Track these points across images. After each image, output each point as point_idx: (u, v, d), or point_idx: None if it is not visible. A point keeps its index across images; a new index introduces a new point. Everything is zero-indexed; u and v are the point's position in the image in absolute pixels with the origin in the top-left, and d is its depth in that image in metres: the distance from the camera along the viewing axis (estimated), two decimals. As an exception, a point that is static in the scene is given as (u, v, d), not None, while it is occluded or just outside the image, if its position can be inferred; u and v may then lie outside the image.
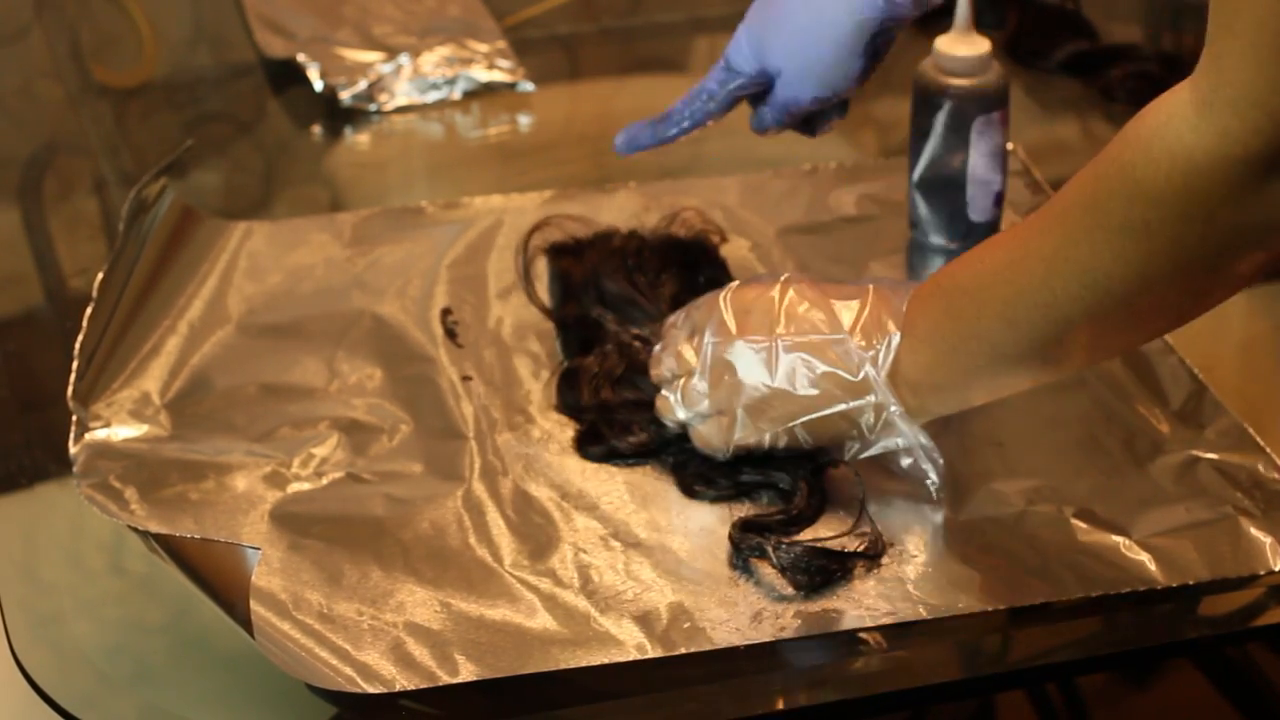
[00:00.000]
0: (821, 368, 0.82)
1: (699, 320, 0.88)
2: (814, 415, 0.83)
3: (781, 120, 0.92)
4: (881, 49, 0.89)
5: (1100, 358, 0.76)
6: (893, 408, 0.81)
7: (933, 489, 0.85)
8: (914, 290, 0.81)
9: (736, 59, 0.91)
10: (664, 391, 0.89)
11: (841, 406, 0.82)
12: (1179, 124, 0.65)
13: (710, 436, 0.87)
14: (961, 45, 1.03)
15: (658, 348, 0.91)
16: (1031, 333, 0.75)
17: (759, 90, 0.92)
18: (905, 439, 0.83)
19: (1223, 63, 0.63)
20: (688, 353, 0.87)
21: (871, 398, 0.81)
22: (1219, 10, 0.63)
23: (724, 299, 0.87)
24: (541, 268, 1.05)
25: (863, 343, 0.81)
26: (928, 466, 0.84)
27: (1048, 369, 0.78)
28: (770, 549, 0.81)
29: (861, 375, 0.81)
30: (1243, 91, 0.62)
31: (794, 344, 0.83)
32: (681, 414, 0.88)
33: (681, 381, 0.87)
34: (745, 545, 0.82)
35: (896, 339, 0.80)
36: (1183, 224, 0.67)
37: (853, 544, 0.83)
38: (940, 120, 1.03)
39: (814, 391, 0.83)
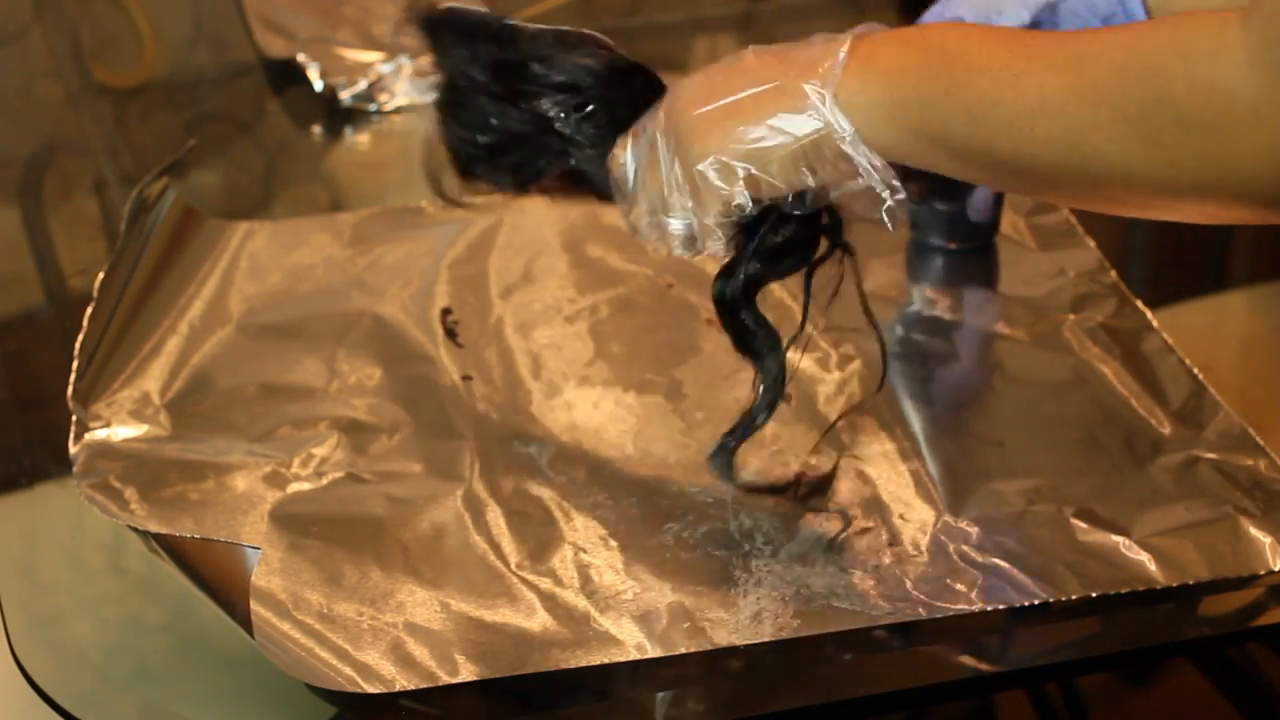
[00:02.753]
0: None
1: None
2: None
3: None
4: None
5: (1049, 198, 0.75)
6: (843, 127, 0.75)
7: (887, 218, 0.78)
8: (885, 31, 0.76)
9: None
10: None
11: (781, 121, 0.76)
12: (1226, 64, 0.64)
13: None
14: None
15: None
16: (988, 147, 0.72)
17: None
18: (860, 164, 0.76)
19: (1273, 22, 0.62)
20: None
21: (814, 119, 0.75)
22: None
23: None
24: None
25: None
26: (884, 192, 0.77)
27: (985, 177, 0.76)
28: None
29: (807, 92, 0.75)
30: None
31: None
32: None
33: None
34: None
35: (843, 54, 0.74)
36: (1199, 155, 0.66)
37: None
38: None
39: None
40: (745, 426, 0.84)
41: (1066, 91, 0.69)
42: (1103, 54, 0.69)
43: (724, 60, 0.80)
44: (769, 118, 0.76)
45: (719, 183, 0.77)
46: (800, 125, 0.75)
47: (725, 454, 0.84)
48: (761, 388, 0.83)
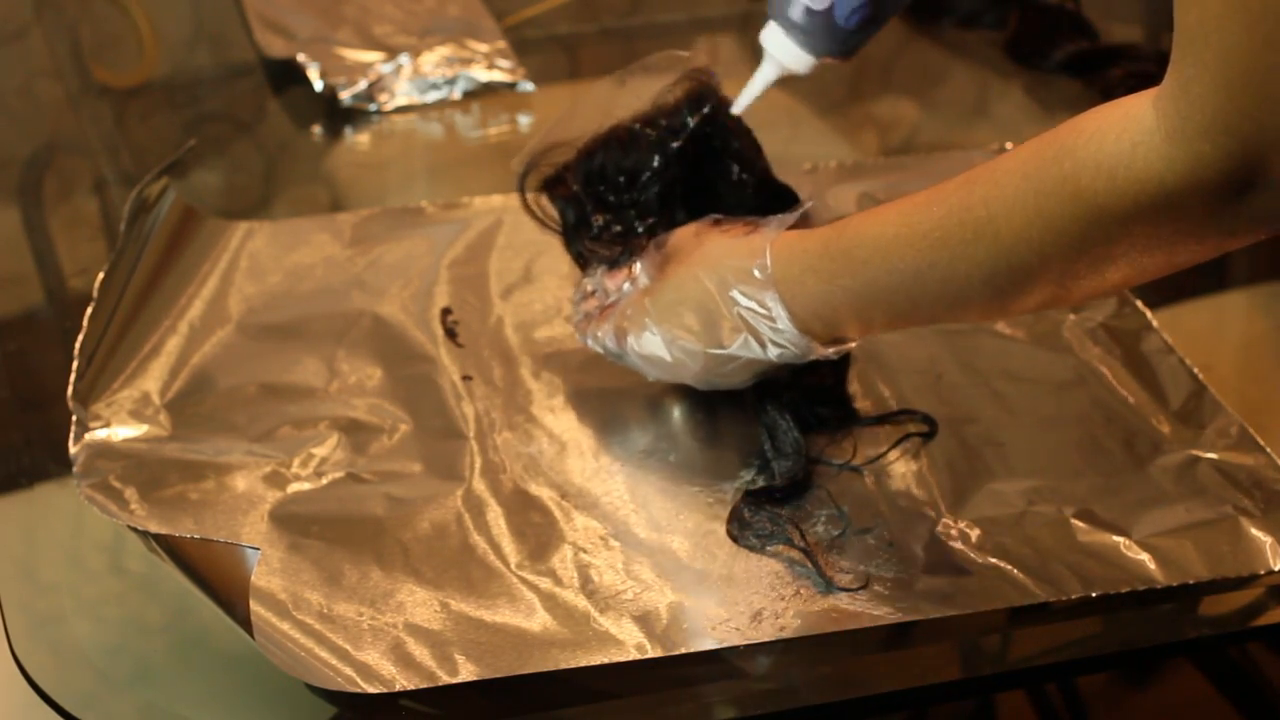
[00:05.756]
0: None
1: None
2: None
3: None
4: None
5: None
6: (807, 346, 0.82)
7: None
8: (781, 283, 0.81)
9: None
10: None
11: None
12: (1146, 152, 0.65)
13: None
14: None
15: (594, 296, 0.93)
16: (980, 306, 0.76)
17: None
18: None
19: (1191, 91, 0.63)
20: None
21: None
22: (1185, 39, 0.63)
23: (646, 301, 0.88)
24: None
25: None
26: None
27: (997, 317, 0.82)
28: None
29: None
30: (1213, 119, 0.63)
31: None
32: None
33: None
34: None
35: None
36: (1150, 239, 0.68)
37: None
38: None
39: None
40: (760, 496, 0.86)
41: (990, 251, 0.72)
42: (1014, 208, 0.71)
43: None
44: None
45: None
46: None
47: (739, 519, 0.85)
48: (776, 472, 0.87)
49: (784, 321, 0.81)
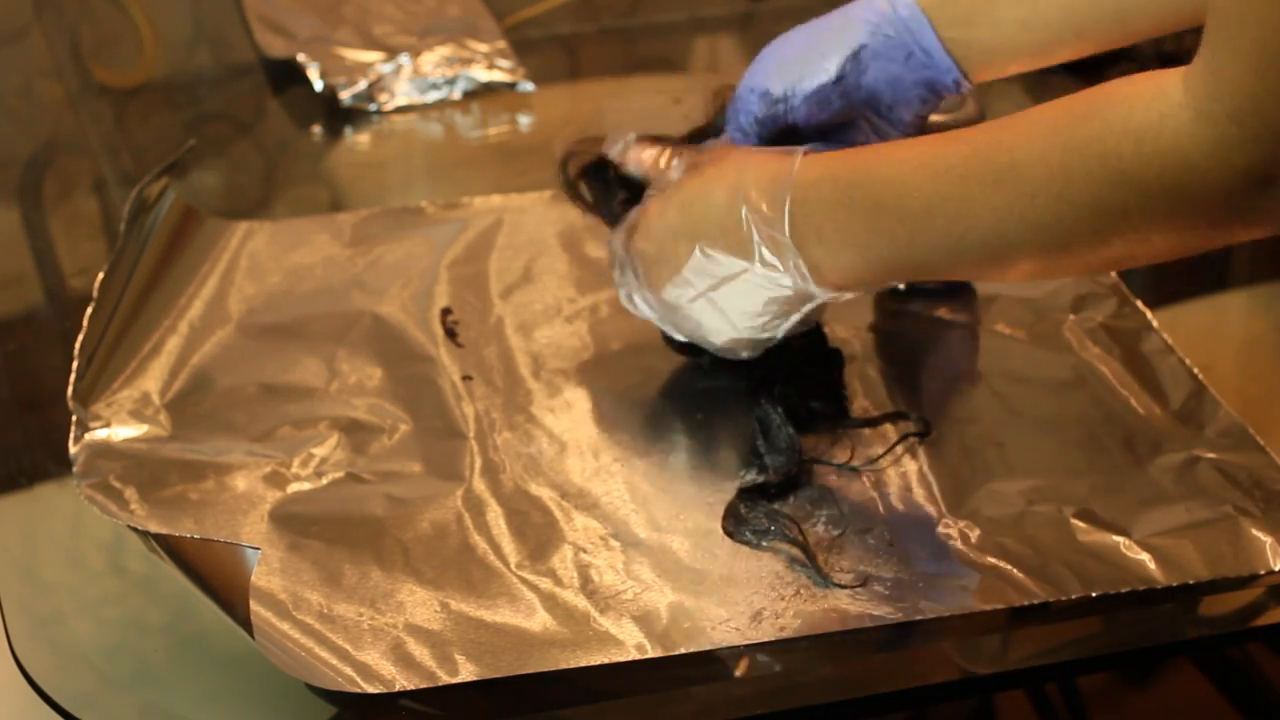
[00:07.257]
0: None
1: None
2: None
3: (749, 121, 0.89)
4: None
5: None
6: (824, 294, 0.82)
7: None
8: (797, 187, 0.80)
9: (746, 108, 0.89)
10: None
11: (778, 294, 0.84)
12: (1174, 126, 0.66)
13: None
14: None
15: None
16: (975, 260, 0.76)
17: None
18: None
19: (1223, 75, 0.64)
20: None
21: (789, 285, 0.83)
22: (1219, 23, 0.64)
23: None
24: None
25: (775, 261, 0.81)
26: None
27: (987, 276, 0.83)
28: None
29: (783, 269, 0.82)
30: (1242, 104, 0.63)
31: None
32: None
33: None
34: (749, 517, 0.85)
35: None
36: (1166, 215, 0.68)
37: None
38: None
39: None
40: (755, 493, 0.86)
41: (1011, 198, 0.72)
42: (1039, 160, 0.71)
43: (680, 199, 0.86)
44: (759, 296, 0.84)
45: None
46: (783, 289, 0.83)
47: (734, 515, 0.85)
48: (769, 467, 0.87)
49: (785, 229, 0.80)
